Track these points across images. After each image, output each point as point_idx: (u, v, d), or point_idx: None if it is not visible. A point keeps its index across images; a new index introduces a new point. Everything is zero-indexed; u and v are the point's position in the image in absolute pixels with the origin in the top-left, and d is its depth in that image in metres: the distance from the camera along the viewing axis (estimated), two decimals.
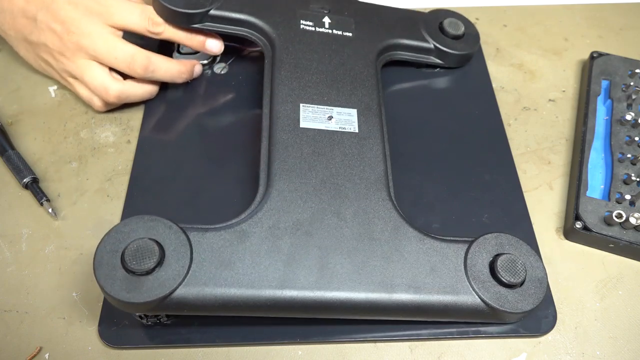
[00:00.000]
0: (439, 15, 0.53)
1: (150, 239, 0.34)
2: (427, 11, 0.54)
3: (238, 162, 0.46)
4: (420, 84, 0.53)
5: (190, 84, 0.51)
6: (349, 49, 0.47)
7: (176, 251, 0.34)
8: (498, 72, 0.55)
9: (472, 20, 0.58)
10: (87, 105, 0.50)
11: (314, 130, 0.41)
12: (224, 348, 0.37)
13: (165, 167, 0.45)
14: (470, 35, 0.53)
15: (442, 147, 0.48)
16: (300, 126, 0.41)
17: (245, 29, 0.47)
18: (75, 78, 0.47)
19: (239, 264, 0.34)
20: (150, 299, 0.32)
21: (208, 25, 0.47)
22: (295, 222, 0.37)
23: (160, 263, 0.33)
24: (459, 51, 0.52)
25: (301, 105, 0.43)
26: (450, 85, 0.53)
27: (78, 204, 0.44)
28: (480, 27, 0.58)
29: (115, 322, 0.37)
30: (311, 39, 0.47)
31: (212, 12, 0.46)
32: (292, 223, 0.37)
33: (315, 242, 0.36)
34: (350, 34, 0.48)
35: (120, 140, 0.48)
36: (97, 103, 0.47)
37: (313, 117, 0.42)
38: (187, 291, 0.33)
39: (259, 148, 0.41)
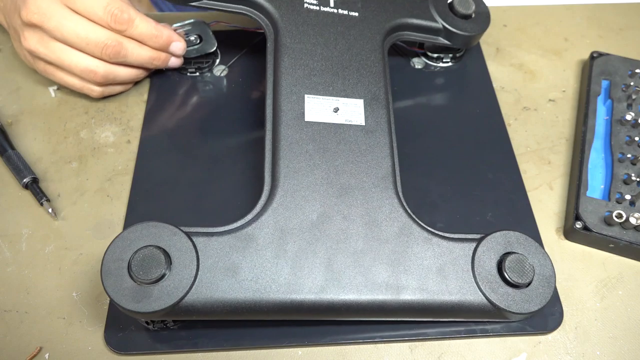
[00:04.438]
0: None
1: (155, 246, 0.33)
2: None
3: (239, 162, 0.46)
4: (421, 84, 0.52)
5: (189, 86, 0.51)
6: (355, 30, 0.45)
7: (182, 258, 0.33)
8: (498, 72, 0.55)
9: None
10: (87, 104, 0.50)
11: (320, 124, 0.40)
12: (223, 352, 0.37)
13: (167, 168, 0.45)
14: (481, 14, 0.51)
15: (445, 146, 0.48)
16: (306, 120, 0.39)
17: (246, 7, 0.45)
18: (57, 66, 0.46)
19: (245, 268, 0.34)
20: (159, 308, 0.32)
21: (205, 2, 0.45)
22: (301, 224, 0.36)
23: (167, 271, 0.33)
24: (469, 32, 0.49)
25: (306, 96, 0.41)
26: (451, 85, 0.53)
27: (78, 204, 0.44)
28: None
29: (122, 328, 0.37)
30: (316, 20, 0.44)
31: None
32: (298, 225, 0.36)
33: (322, 244, 0.35)
34: (356, 14, 0.46)
35: (120, 140, 0.48)
36: (96, 89, 0.48)
37: (318, 109, 0.40)
38: (195, 298, 0.33)
39: (262, 145, 0.40)
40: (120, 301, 0.32)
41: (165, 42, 0.47)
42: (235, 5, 0.45)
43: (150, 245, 0.33)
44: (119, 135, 0.48)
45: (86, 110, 0.50)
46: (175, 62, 0.50)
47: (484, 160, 0.47)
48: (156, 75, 0.52)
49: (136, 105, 0.50)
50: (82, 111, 0.50)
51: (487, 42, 0.57)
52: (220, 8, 0.45)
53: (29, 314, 0.38)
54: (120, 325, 0.37)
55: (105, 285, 0.32)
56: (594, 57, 0.53)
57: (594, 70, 0.51)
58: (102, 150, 0.47)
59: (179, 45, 0.49)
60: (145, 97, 0.51)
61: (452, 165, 0.46)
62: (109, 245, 0.33)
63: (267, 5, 0.44)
